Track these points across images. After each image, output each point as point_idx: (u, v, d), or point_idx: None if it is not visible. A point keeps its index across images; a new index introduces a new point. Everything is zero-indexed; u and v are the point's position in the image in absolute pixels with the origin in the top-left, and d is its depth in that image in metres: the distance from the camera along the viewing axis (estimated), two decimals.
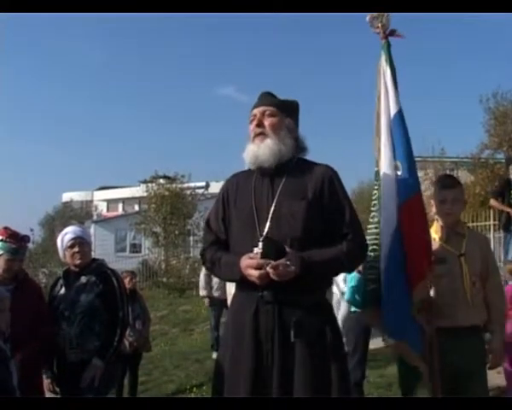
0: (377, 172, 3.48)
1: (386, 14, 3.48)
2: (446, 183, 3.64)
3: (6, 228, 3.98)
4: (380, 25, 3.47)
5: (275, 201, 2.80)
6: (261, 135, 2.88)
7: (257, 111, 2.94)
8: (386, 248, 3.34)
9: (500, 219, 9.13)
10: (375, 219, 3.45)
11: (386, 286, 3.31)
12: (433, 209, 3.66)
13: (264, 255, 2.65)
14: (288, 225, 2.75)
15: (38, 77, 78.63)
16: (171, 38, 76.95)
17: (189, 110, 76.36)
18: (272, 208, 2.79)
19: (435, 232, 3.57)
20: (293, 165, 2.90)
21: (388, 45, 3.47)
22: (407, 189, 3.34)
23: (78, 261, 4.06)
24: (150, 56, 76.45)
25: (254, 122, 2.92)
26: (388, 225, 3.36)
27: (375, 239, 3.40)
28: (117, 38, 78.14)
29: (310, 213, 2.76)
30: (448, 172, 23.86)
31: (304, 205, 2.77)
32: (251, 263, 2.67)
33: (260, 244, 2.67)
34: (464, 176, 21.93)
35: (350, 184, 34.10)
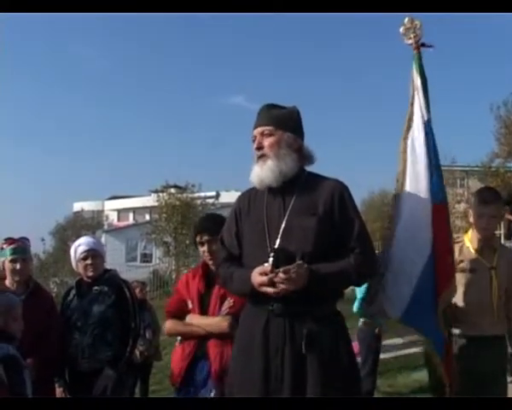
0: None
1: (418, 24, 3.48)
2: (485, 198, 3.58)
3: (5, 239, 4.11)
4: (413, 36, 3.48)
5: (286, 216, 2.82)
6: (263, 157, 2.88)
7: (256, 132, 2.94)
8: (416, 253, 3.33)
9: (508, 228, 9.10)
10: None
11: (417, 291, 3.29)
12: (471, 219, 3.68)
13: (274, 267, 2.66)
14: (299, 240, 2.75)
15: (49, 86, 79.33)
16: (182, 47, 77.31)
17: (199, 120, 76.65)
18: (283, 224, 2.80)
19: (469, 241, 3.62)
20: (303, 179, 2.91)
21: (420, 56, 3.49)
22: (435, 196, 3.37)
23: (90, 273, 4.11)
24: (160, 66, 76.95)
25: (255, 144, 2.93)
26: (419, 229, 3.34)
27: None
28: (129, 47, 78.64)
29: (320, 229, 2.77)
30: (458, 181, 23.75)
31: (314, 220, 2.78)
32: (263, 281, 2.68)
33: (271, 260, 2.68)
34: (475, 185, 21.83)
35: (360, 194, 34.12)
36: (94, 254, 4.13)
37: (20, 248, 4.06)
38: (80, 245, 4.16)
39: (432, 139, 3.42)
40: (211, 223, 3.76)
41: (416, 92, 3.48)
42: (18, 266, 4.00)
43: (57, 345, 3.96)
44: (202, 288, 3.61)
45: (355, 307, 6.52)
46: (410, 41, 3.49)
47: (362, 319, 6.60)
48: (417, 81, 3.48)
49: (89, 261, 4.10)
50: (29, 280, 4.12)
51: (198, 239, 3.68)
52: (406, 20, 3.50)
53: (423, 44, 3.49)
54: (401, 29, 3.51)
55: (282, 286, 2.64)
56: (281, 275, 2.62)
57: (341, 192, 2.88)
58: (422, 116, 3.44)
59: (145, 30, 74.91)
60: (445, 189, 3.49)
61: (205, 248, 3.64)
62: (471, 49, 65.76)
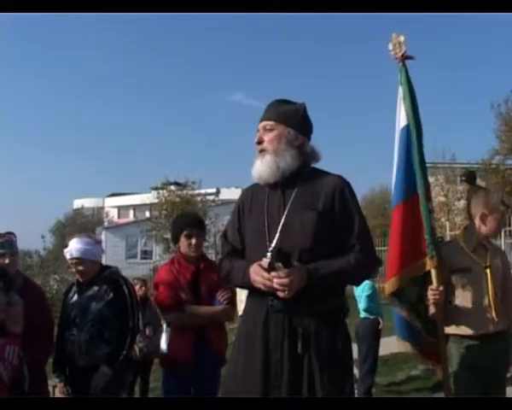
0: None
1: (403, 39, 3.70)
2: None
3: None
4: (398, 50, 3.73)
5: (286, 212, 2.79)
6: (262, 152, 2.88)
7: (260, 126, 2.95)
8: None
9: None
10: None
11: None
12: (479, 219, 3.65)
13: (272, 264, 2.65)
14: (298, 235, 2.73)
15: (49, 84, 79.32)
16: (182, 45, 77.28)
17: (199, 116, 76.69)
18: (283, 219, 2.78)
19: (463, 241, 3.67)
20: (305, 175, 2.88)
21: (406, 69, 3.75)
22: (401, 192, 3.66)
23: (80, 279, 4.14)
24: (161, 63, 76.90)
25: (256, 138, 2.93)
26: None
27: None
28: (127, 45, 78.63)
29: (320, 224, 2.74)
30: (459, 178, 23.72)
31: (314, 216, 2.75)
32: (259, 279, 2.69)
33: (269, 254, 2.68)
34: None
35: (362, 190, 34.10)
36: (79, 262, 4.07)
37: (8, 242, 4.00)
38: (67, 252, 4.11)
39: (405, 143, 3.67)
40: (198, 218, 4.42)
41: (401, 102, 3.76)
42: (7, 261, 3.92)
43: (48, 340, 3.97)
44: (192, 279, 4.10)
45: (362, 304, 6.48)
46: (397, 55, 3.74)
47: (362, 315, 6.56)
48: (400, 92, 3.76)
49: (78, 268, 4.08)
50: (16, 275, 4.03)
51: (187, 232, 4.10)
52: (393, 36, 3.74)
53: (407, 57, 3.75)
54: (390, 45, 3.76)
55: (280, 294, 2.63)
56: (276, 281, 2.62)
57: (342, 188, 2.85)
58: (399, 124, 3.75)
59: (146, 28, 74.89)
60: (415, 182, 3.60)
61: (192, 240, 4.10)
62: (472, 47, 65.74)
